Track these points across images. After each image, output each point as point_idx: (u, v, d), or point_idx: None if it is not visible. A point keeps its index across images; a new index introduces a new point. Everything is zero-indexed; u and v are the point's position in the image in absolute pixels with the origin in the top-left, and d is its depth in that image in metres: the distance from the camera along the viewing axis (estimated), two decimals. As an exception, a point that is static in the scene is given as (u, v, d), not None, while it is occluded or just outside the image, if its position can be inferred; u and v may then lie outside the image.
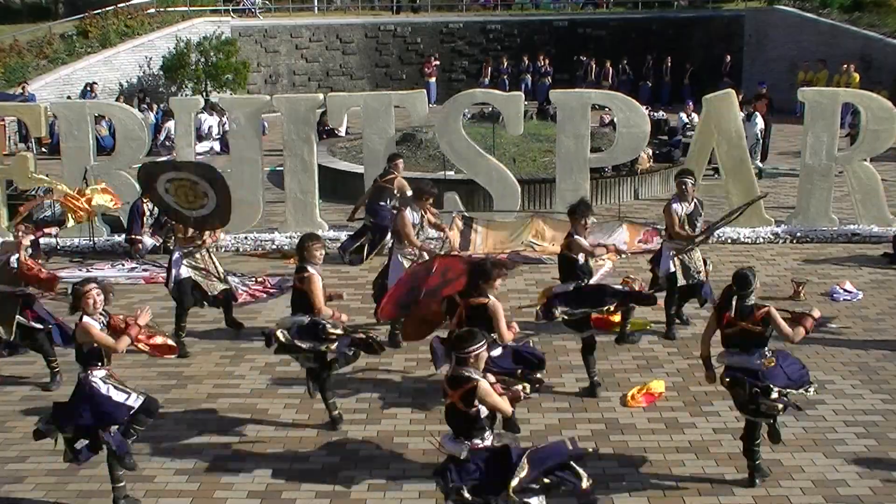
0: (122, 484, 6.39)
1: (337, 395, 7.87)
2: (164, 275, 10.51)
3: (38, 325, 8.47)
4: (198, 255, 9.43)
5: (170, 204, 9.33)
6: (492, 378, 5.67)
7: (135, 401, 6.41)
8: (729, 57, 26.59)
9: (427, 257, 9.06)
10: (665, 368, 8.71)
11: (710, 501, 6.46)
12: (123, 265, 12.06)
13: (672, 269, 9.29)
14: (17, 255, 8.46)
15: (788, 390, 6.51)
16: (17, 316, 8.40)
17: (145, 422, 6.52)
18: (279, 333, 7.42)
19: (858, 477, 6.72)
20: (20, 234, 8.68)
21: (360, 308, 10.32)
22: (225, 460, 7.10)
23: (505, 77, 27.18)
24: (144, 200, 12.65)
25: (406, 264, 9.28)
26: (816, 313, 6.75)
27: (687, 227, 9.29)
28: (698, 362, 8.72)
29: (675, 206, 9.32)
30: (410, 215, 9.36)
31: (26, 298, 8.51)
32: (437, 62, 27.70)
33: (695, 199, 9.42)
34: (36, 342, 8.50)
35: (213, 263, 9.53)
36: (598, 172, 14.63)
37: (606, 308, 8.19)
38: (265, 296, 10.92)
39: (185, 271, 9.32)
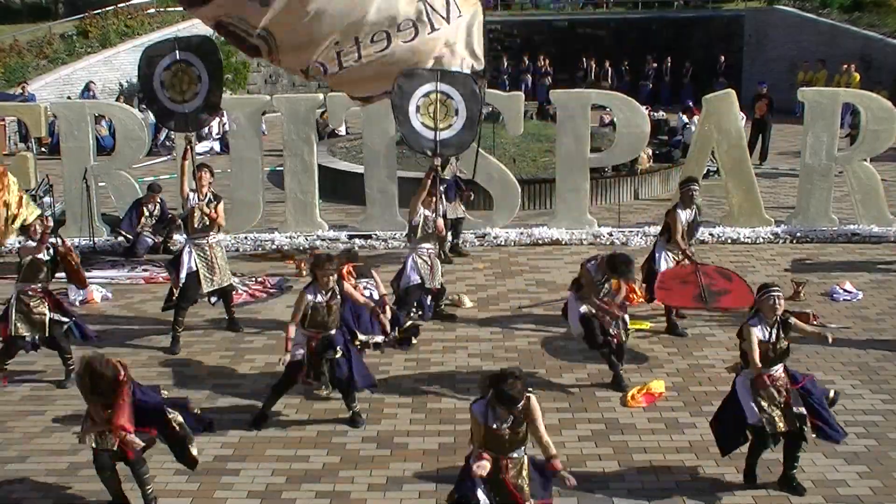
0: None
1: (337, 395, 7.87)
2: (164, 274, 10.53)
3: (64, 318, 8.49)
4: (206, 247, 9.42)
5: (164, 104, 9.60)
6: None
7: None
8: (724, 57, 26.58)
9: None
10: (665, 368, 8.71)
11: (710, 501, 6.45)
12: (124, 265, 12.05)
13: (670, 266, 9.34)
14: (42, 251, 8.43)
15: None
16: (47, 312, 8.40)
17: None
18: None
19: (858, 477, 6.72)
20: (35, 233, 8.62)
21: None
22: (225, 460, 7.10)
23: (505, 77, 27.18)
24: (146, 202, 12.69)
25: (420, 263, 9.36)
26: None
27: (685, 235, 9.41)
28: (699, 362, 8.80)
29: (679, 212, 9.40)
30: (421, 210, 9.50)
31: (50, 294, 8.53)
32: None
33: (695, 205, 9.46)
34: (54, 340, 8.49)
35: (220, 258, 9.54)
36: (598, 172, 14.63)
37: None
38: (265, 296, 10.91)
39: (193, 264, 9.34)
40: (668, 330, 9.52)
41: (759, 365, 6.35)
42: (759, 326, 6.46)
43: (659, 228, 12.91)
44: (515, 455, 5.53)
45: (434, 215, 9.48)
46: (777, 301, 6.43)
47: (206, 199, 9.34)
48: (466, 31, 9.58)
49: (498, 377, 5.39)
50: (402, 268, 9.52)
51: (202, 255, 9.39)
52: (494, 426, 5.41)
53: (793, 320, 6.60)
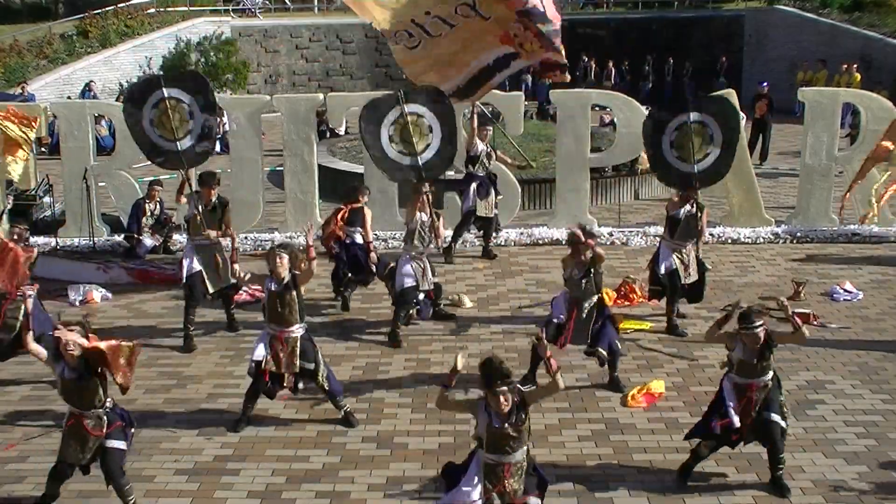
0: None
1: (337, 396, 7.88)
2: (158, 271, 10.53)
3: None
4: (208, 249, 9.44)
5: (155, 142, 9.52)
6: None
7: None
8: (725, 58, 26.58)
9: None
10: (665, 368, 8.71)
11: (710, 501, 6.46)
12: (105, 269, 11.78)
13: (674, 266, 9.36)
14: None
15: None
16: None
17: None
18: None
19: (858, 477, 6.72)
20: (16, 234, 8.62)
21: (361, 308, 10.35)
22: (225, 460, 7.10)
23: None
24: (147, 200, 12.68)
25: (412, 265, 9.35)
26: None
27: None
28: (699, 362, 8.79)
29: (676, 203, 9.39)
30: (418, 215, 9.45)
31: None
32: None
33: (696, 203, 9.45)
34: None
35: (222, 259, 9.54)
36: (598, 172, 14.63)
37: None
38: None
39: (196, 264, 9.35)
40: (668, 330, 9.52)
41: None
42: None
43: (659, 228, 13.01)
44: (518, 457, 5.52)
45: (430, 220, 9.43)
46: (757, 337, 6.43)
47: (211, 207, 9.41)
48: None
49: (483, 364, 5.44)
50: (396, 269, 9.51)
51: (204, 256, 9.41)
52: (497, 424, 5.41)
53: (775, 338, 6.59)
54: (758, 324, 6.40)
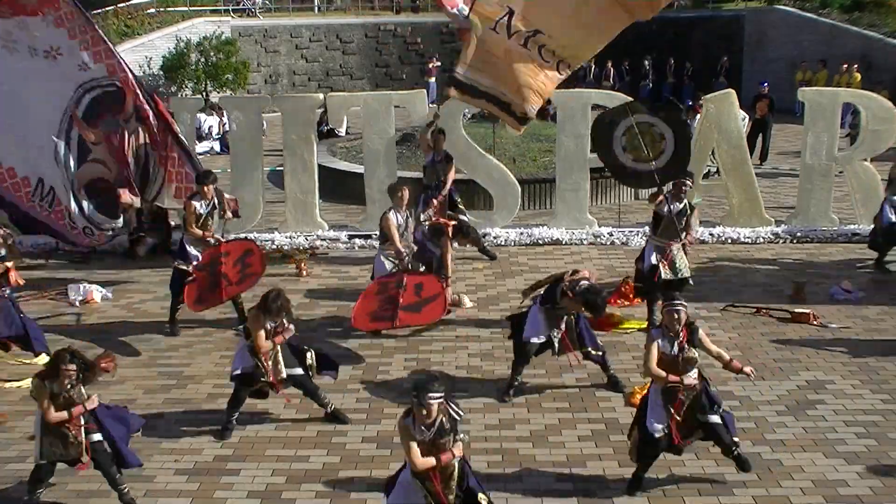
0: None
1: (336, 396, 7.87)
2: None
3: None
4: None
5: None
6: None
7: None
8: (725, 58, 26.56)
9: (404, 259, 9.63)
10: (665, 368, 8.69)
11: (710, 501, 6.46)
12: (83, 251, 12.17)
13: (654, 262, 9.41)
14: None
15: None
16: None
17: None
18: None
19: (858, 477, 6.72)
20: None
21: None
22: (225, 460, 7.10)
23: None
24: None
25: (388, 265, 9.64)
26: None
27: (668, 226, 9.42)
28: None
29: (665, 200, 9.41)
30: (395, 217, 9.71)
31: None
32: (438, 62, 27.69)
33: (685, 200, 9.46)
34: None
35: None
36: (598, 172, 14.60)
37: None
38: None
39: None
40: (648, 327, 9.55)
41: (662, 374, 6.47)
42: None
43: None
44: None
45: (406, 220, 9.79)
46: (678, 315, 6.50)
47: (211, 206, 9.64)
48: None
49: (415, 384, 5.50)
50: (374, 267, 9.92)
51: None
52: (418, 436, 5.45)
53: (701, 334, 6.62)
54: (677, 302, 6.51)
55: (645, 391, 7.97)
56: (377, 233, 12.87)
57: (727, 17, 28.45)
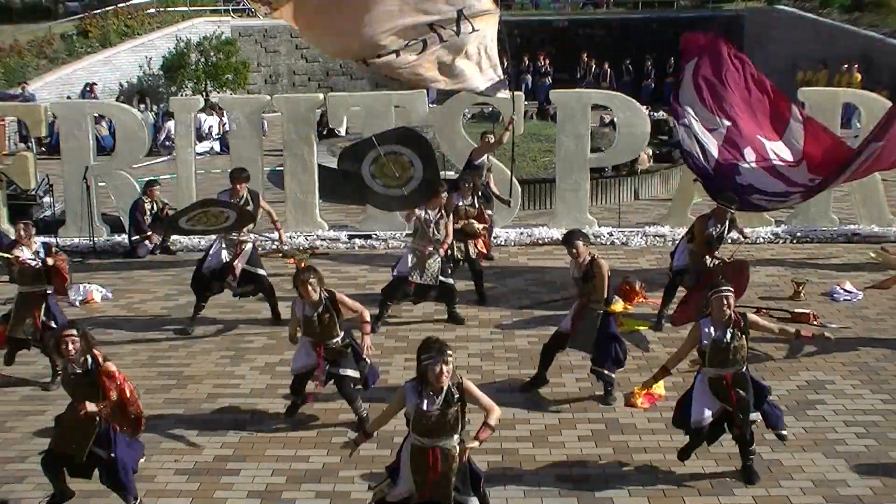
0: None
1: (336, 395, 7.86)
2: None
3: (55, 325, 8.47)
4: (236, 244, 9.77)
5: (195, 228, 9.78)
6: None
7: None
8: (724, 57, 26.55)
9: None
10: (665, 368, 8.69)
11: (710, 501, 6.46)
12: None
13: (685, 264, 9.50)
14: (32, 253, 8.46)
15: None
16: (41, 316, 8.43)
17: None
18: None
19: (858, 477, 6.72)
20: (22, 233, 8.66)
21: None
22: (225, 460, 7.10)
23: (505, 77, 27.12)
24: (145, 199, 12.67)
25: (412, 258, 9.53)
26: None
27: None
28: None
29: (710, 227, 9.44)
30: (422, 213, 9.64)
31: (45, 298, 8.53)
32: (438, 62, 27.68)
33: (727, 224, 9.55)
34: (47, 344, 8.48)
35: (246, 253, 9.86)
36: (598, 172, 14.63)
37: None
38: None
39: (224, 257, 9.66)
40: (656, 326, 9.61)
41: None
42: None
43: (659, 228, 13.04)
44: (444, 444, 5.46)
45: (426, 216, 9.63)
46: (727, 300, 6.51)
47: (243, 201, 9.74)
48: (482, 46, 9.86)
49: (420, 347, 5.42)
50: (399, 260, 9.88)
51: (231, 251, 9.70)
52: (425, 407, 5.39)
53: (751, 317, 6.65)
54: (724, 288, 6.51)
55: (645, 392, 8.02)
56: (377, 233, 13.00)
57: (727, 16, 28.51)
